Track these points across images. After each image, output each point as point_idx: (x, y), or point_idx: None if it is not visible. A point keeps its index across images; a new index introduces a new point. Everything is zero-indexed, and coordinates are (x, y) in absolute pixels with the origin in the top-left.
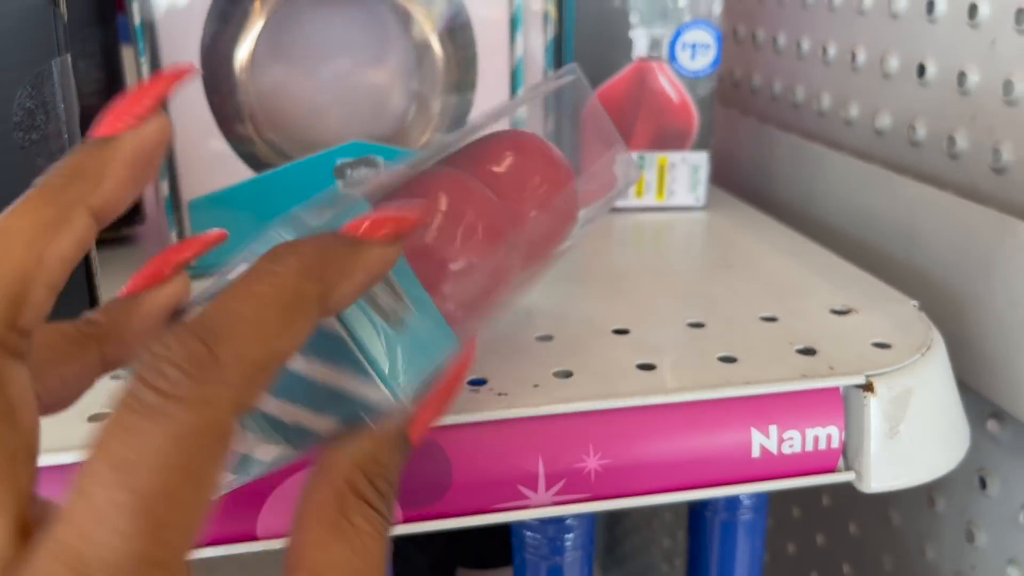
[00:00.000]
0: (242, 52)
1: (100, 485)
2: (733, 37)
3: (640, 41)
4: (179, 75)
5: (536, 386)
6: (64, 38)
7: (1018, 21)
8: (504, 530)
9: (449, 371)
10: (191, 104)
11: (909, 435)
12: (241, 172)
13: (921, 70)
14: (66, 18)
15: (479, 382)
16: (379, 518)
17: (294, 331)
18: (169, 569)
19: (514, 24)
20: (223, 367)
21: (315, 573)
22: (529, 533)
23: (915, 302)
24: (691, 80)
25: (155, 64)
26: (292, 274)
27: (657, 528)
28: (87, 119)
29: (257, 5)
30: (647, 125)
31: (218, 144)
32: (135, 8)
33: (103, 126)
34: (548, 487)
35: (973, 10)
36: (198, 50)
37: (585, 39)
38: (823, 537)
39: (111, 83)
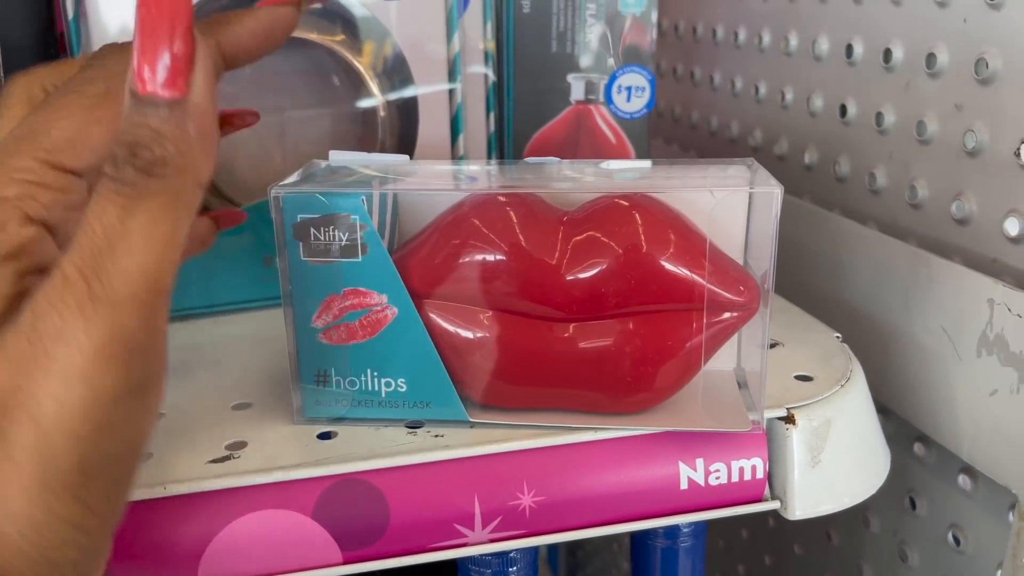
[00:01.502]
0: None
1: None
2: (672, 75)
3: (577, 85)
4: None
5: (472, 426)
6: None
7: (929, 65)
8: (451, 564)
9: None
10: None
11: (830, 463)
12: None
13: (843, 110)
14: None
15: (416, 424)
16: (119, 186)
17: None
18: None
19: (452, 72)
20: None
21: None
22: (474, 567)
23: (838, 334)
24: (627, 121)
25: None
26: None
27: (616, 551)
28: None
29: None
30: None
31: None
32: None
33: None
34: (485, 525)
35: (888, 55)
36: None
37: (524, 84)
38: (770, 558)
39: None
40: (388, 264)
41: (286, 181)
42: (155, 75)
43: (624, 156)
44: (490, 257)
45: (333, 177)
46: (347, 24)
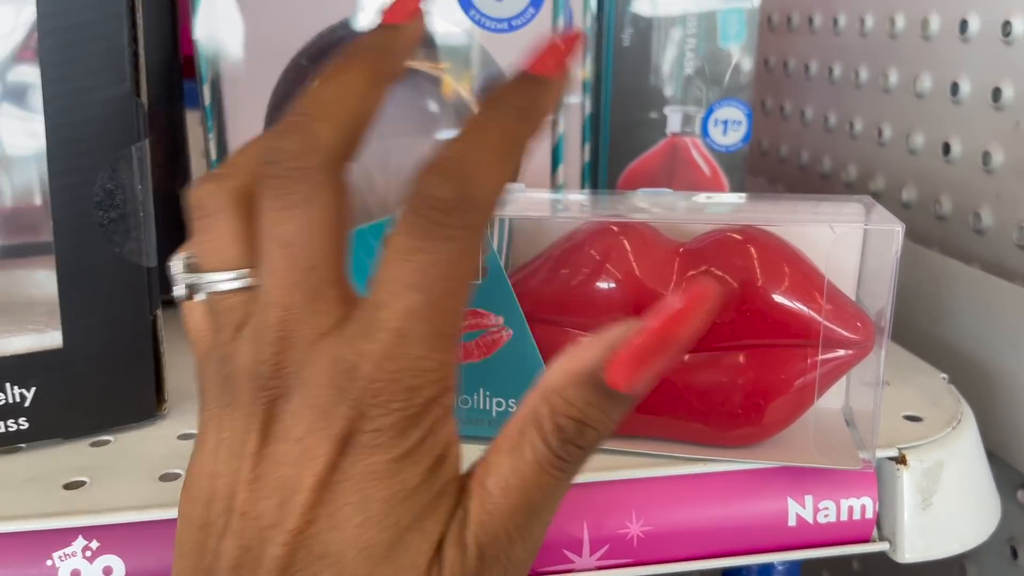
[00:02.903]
0: None
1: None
2: (761, 109)
3: (674, 117)
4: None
5: None
6: (143, 125)
7: None
8: None
9: (662, 314)
10: None
11: (941, 506)
12: None
13: (946, 148)
14: (146, 107)
15: None
16: (545, 450)
17: (514, 167)
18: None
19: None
20: (475, 203)
21: (484, 474)
22: None
23: (944, 375)
24: (722, 154)
25: (221, 140)
26: (512, 120)
27: None
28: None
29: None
30: None
31: None
32: (205, 91)
33: (389, 17)
34: (593, 551)
35: (997, 93)
36: (261, 126)
37: (620, 116)
38: None
39: (175, 157)
40: (507, 288)
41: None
42: (636, 381)
43: (718, 189)
44: (604, 285)
45: None
46: (452, 52)
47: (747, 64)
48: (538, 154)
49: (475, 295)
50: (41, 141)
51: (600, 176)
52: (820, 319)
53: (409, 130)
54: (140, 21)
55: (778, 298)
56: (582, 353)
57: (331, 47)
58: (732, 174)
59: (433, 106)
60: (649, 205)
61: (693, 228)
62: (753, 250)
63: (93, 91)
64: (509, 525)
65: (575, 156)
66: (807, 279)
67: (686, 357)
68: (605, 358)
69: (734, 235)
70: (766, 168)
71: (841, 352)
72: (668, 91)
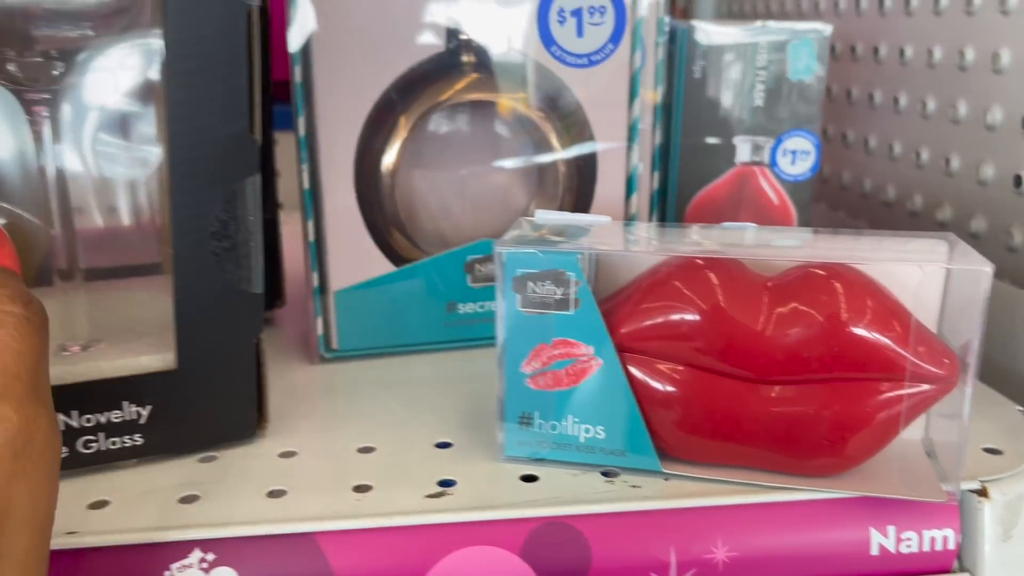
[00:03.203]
0: (388, 158)
1: None
2: (823, 136)
3: (743, 147)
4: None
5: (666, 478)
6: (256, 160)
7: None
8: None
9: None
10: (344, 204)
11: (1021, 539)
12: (382, 265)
13: (1017, 180)
14: (259, 143)
15: (611, 472)
16: None
17: None
18: None
19: (632, 132)
20: None
21: None
22: None
23: (1020, 408)
24: (791, 183)
25: (314, 171)
26: None
27: None
28: None
29: (403, 120)
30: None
31: (363, 240)
32: (300, 122)
33: None
34: (679, 575)
35: None
36: (352, 157)
37: (690, 145)
38: None
39: (265, 182)
40: (597, 318)
41: (504, 238)
42: None
43: (786, 218)
44: (692, 318)
45: (544, 234)
46: (507, 71)
47: (816, 94)
48: (613, 183)
49: (567, 325)
50: (139, 169)
51: (669, 204)
52: (906, 354)
53: (482, 158)
54: (257, 62)
55: (864, 333)
56: None
57: (419, 81)
58: (800, 203)
59: (501, 132)
60: (734, 240)
61: (775, 263)
62: (839, 286)
63: (213, 129)
64: None
65: (644, 184)
66: (893, 315)
67: (775, 390)
68: None
69: (819, 271)
70: (827, 195)
71: (926, 387)
72: (737, 121)
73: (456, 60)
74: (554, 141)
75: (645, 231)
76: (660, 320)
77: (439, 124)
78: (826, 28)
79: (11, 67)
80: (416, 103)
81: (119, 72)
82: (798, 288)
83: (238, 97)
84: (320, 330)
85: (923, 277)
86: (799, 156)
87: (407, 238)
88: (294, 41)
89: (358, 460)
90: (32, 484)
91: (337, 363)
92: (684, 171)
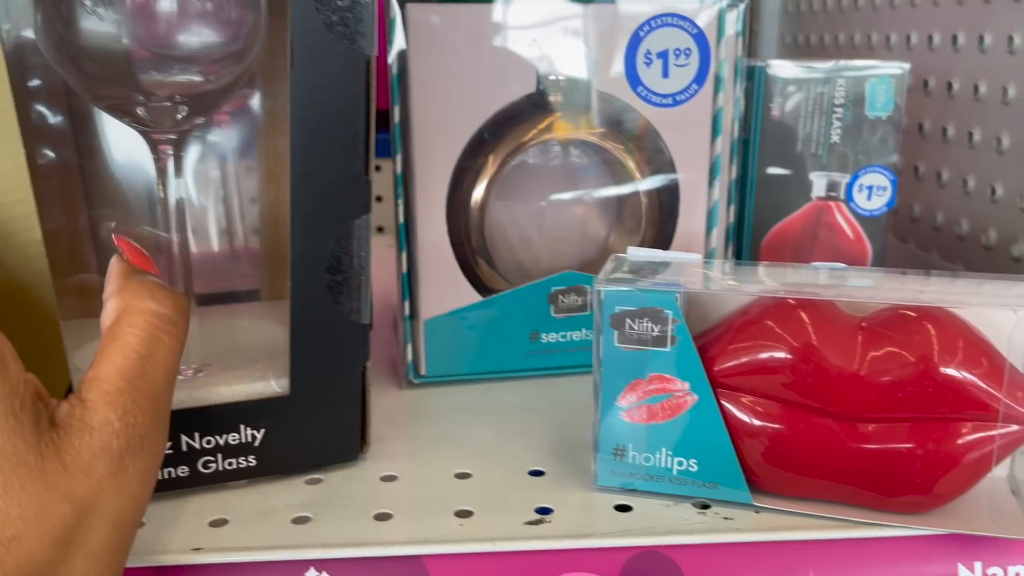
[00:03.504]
0: (477, 193)
1: None
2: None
3: (819, 182)
4: None
5: (757, 511)
6: (369, 199)
7: None
8: None
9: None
10: (436, 237)
11: None
12: (469, 295)
13: None
14: (372, 183)
15: (703, 504)
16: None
17: None
18: None
19: (713, 168)
20: None
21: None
22: None
23: None
24: (866, 218)
25: (409, 206)
26: None
27: None
28: None
29: (492, 157)
30: (822, 258)
31: (452, 271)
32: (398, 160)
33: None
34: None
35: None
36: (445, 193)
37: (766, 180)
38: None
39: None
40: (693, 355)
41: (601, 276)
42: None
43: (861, 252)
44: (785, 356)
45: (640, 272)
46: (610, 118)
47: (894, 131)
48: (694, 217)
49: (663, 361)
50: (243, 202)
51: (744, 237)
52: (1000, 396)
53: (562, 191)
54: (373, 107)
55: (957, 374)
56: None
57: (509, 120)
58: (875, 238)
59: (582, 166)
60: (826, 281)
61: (865, 303)
62: (932, 327)
63: (332, 170)
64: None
65: (724, 219)
66: (986, 357)
67: (867, 428)
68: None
69: (911, 312)
70: (897, 226)
71: (1016, 428)
72: (814, 157)
73: (544, 100)
74: (635, 176)
75: (734, 269)
76: (754, 358)
77: (523, 158)
78: (904, 66)
79: (140, 111)
80: (505, 141)
81: (232, 114)
82: (891, 329)
83: (355, 141)
84: (409, 356)
85: (1017, 322)
86: (875, 191)
87: (492, 268)
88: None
89: (456, 486)
90: (122, 487)
91: (424, 388)
92: (760, 205)
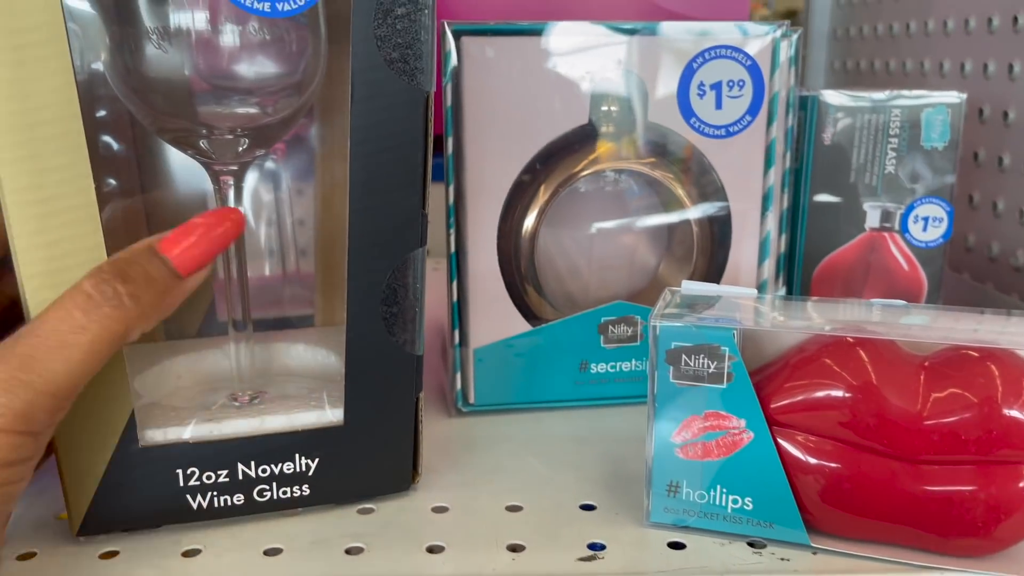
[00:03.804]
0: (527, 223)
1: None
2: None
3: (873, 213)
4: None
5: (814, 552)
6: (425, 233)
7: None
8: None
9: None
10: (486, 267)
11: None
12: (519, 324)
13: None
14: (429, 217)
15: (758, 543)
16: (86, 299)
17: None
18: None
19: (766, 199)
20: None
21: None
22: None
23: None
24: (922, 250)
25: (460, 236)
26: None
27: None
28: None
29: (542, 188)
30: (875, 289)
31: (502, 300)
32: (450, 190)
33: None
34: None
35: None
36: (496, 224)
37: (819, 210)
38: None
39: None
40: (750, 392)
41: (656, 310)
42: (181, 250)
43: (916, 285)
44: (845, 395)
45: (695, 306)
46: (660, 147)
47: (950, 162)
48: (746, 248)
49: (719, 398)
50: (298, 228)
51: (795, 268)
52: None
53: (612, 220)
54: (430, 141)
55: (1021, 416)
56: (144, 240)
57: (561, 150)
58: (931, 269)
59: (632, 195)
60: (881, 317)
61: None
62: (995, 368)
63: (390, 204)
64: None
65: (776, 250)
66: None
67: (928, 470)
68: (160, 237)
69: (974, 352)
70: (951, 256)
71: None
72: (867, 187)
73: (596, 131)
74: (685, 204)
75: (786, 304)
76: (812, 396)
77: (574, 187)
78: (961, 96)
79: (203, 143)
80: (557, 171)
81: (287, 140)
82: (954, 370)
83: (414, 175)
84: (459, 385)
85: None
86: (931, 223)
87: (541, 296)
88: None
89: (507, 519)
90: None
91: (473, 416)
92: (811, 235)
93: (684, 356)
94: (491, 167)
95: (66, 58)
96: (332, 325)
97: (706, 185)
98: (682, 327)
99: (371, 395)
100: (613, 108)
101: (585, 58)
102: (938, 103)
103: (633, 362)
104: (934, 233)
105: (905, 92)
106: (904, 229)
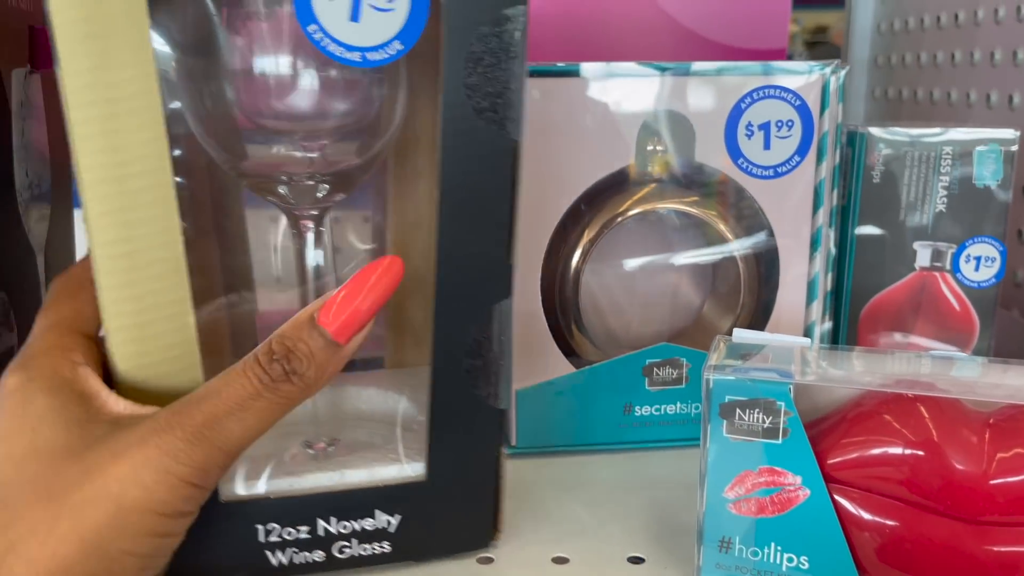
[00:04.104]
0: (572, 263)
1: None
2: None
3: (923, 252)
4: None
5: None
6: (511, 283)
7: None
8: None
9: (370, 269)
10: (530, 308)
11: None
12: (562, 366)
13: None
14: (514, 269)
15: None
16: (262, 373)
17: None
18: None
19: (815, 240)
20: None
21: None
22: None
23: None
24: (974, 290)
25: None
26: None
27: None
28: None
29: (587, 229)
30: (927, 329)
31: (546, 341)
32: None
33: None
34: None
35: None
36: (540, 264)
37: (867, 248)
38: None
39: None
40: (806, 448)
41: (708, 362)
42: (339, 319)
43: (968, 325)
44: (905, 453)
45: (746, 356)
46: (701, 186)
47: (1003, 201)
48: (794, 289)
49: (774, 453)
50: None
51: (842, 308)
52: None
53: (655, 259)
54: (519, 192)
55: None
56: (306, 308)
57: (607, 190)
58: (983, 309)
59: (677, 235)
60: (931, 368)
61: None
62: None
63: (477, 256)
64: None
65: (823, 290)
66: None
67: (991, 531)
68: (319, 306)
69: None
70: (1001, 293)
71: None
72: (918, 226)
73: (643, 172)
74: (728, 240)
75: (834, 355)
76: (871, 453)
77: (620, 229)
78: (1015, 134)
79: (282, 189)
80: (602, 212)
81: (365, 191)
82: (1020, 428)
83: (501, 226)
84: None
85: None
86: (984, 262)
87: (584, 335)
88: None
89: (554, 571)
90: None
91: (515, 459)
92: (859, 274)
93: (738, 410)
94: (536, 208)
95: (158, 111)
96: (402, 367)
97: (748, 217)
98: (736, 381)
99: (454, 449)
100: (659, 148)
101: (630, 98)
102: (991, 141)
103: (678, 405)
104: (986, 273)
105: (955, 129)
106: (956, 269)
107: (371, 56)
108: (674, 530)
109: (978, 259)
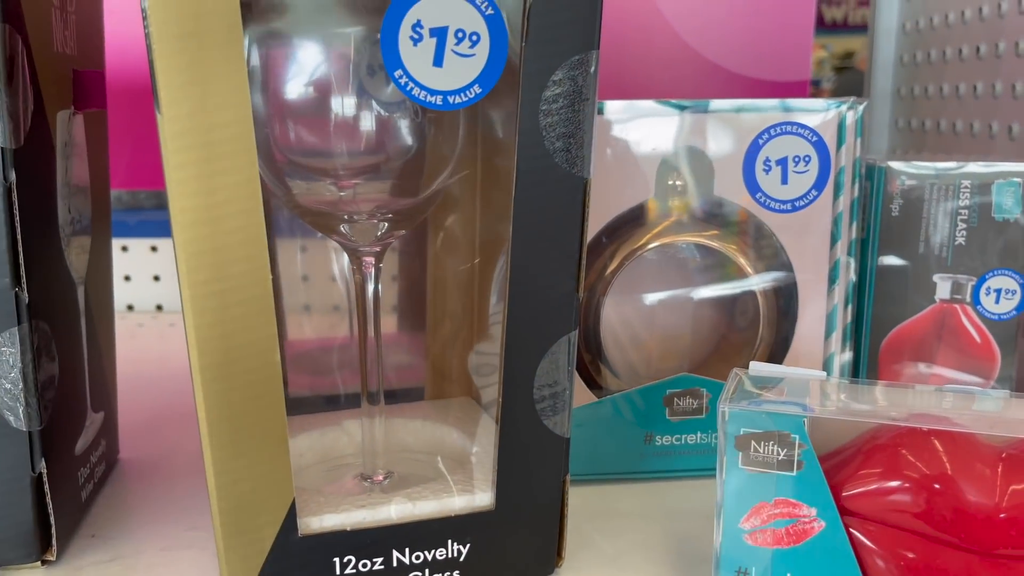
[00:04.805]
0: (592, 296)
1: None
2: None
3: (943, 285)
4: None
5: None
6: (578, 316)
7: None
8: None
9: None
10: None
11: None
12: (583, 395)
13: None
14: (582, 301)
15: None
16: None
17: None
18: None
19: (833, 273)
20: None
21: None
22: None
23: None
24: (994, 322)
25: None
26: None
27: None
28: None
29: (608, 262)
30: (947, 361)
31: None
32: None
33: None
34: None
35: None
36: None
37: (886, 282)
38: None
39: None
40: (821, 481)
41: (724, 394)
42: None
43: (989, 356)
44: (920, 486)
45: (763, 388)
46: (722, 221)
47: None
48: (813, 322)
49: (789, 485)
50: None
51: (862, 341)
52: None
53: (674, 291)
54: (587, 227)
55: None
56: None
57: (628, 223)
58: (1004, 342)
59: (696, 267)
60: (952, 403)
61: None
62: None
63: (546, 288)
64: None
65: (842, 324)
66: None
67: (1006, 565)
68: None
69: None
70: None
71: None
72: (937, 259)
73: (663, 206)
74: (748, 274)
75: (853, 388)
76: (886, 486)
77: (642, 261)
78: None
79: (343, 228)
80: (623, 246)
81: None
82: None
83: (570, 260)
84: None
85: None
86: (1004, 295)
87: (604, 365)
88: None
89: None
90: None
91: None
92: (878, 307)
93: (753, 442)
94: None
95: (252, 153)
96: (442, 398)
97: (765, 248)
98: (751, 413)
99: (521, 478)
100: (678, 183)
101: (650, 134)
102: (1010, 175)
103: (699, 435)
104: (1007, 305)
105: (974, 163)
106: (976, 301)
107: (452, 100)
108: (694, 559)
109: (998, 291)
